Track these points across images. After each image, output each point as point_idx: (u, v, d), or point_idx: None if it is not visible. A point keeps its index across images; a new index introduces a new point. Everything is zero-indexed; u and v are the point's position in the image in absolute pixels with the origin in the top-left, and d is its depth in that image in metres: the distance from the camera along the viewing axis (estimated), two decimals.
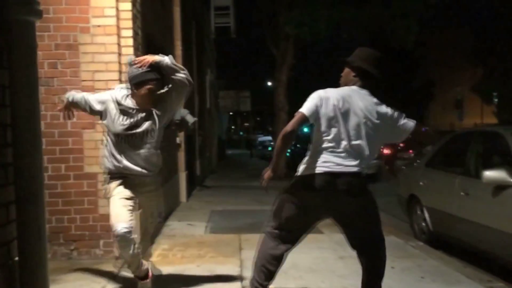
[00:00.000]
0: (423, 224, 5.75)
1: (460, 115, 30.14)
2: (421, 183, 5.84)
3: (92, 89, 4.53)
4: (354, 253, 3.26)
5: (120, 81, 4.60)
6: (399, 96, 34.40)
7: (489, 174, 4.04)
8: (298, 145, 19.32)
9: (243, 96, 24.92)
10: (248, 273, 4.10)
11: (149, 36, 6.14)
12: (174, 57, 8.78)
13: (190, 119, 9.13)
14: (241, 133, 68.78)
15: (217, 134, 25.31)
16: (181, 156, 8.86)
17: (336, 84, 3.22)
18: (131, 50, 4.66)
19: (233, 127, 71.32)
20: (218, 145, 25.63)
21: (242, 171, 18.41)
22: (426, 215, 5.65)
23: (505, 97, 26.87)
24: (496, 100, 29.90)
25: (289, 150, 20.25)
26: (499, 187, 4.10)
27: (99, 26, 4.50)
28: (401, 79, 33.70)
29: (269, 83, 31.30)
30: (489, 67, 25.84)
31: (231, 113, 46.94)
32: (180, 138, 8.75)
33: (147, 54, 5.70)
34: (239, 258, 4.66)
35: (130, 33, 4.67)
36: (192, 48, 11.62)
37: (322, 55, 25.80)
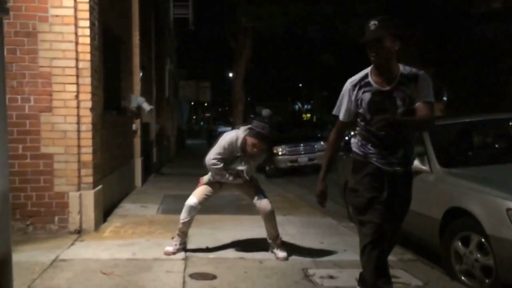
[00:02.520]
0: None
1: None
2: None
3: (49, 75, 4.85)
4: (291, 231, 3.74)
5: (77, 68, 4.92)
6: None
7: None
8: None
9: (203, 87, 25.20)
10: (192, 246, 4.58)
11: (107, 26, 6.44)
12: (132, 46, 9.09)
13: (147, 107, 9.54)
14: (201, 123, 68.81)
15: (176, 123, 25.48)
16: (137, 142, 9.17)
17: (293, 82, 3.67)
18: (87, 40, 4.98)
19: (194, 117, 71.13)
20: (178, 134, 25.81)
21: (200, 161, 18.73)
22: None
23: (453, 95, 28.33)
24: (445, 98, 31.44)
25: None
26: (414, 173, 4.71)
27: (57, 16, 4.80)
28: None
29: (230, 74, 31.68)
30: (438, 66, 27.14)
31: (192, 103, 46.87)
32: (136, 125, 9.06)
33: (104, 43, 6.05)
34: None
35: (87, 23, 4.99)
36: (151, 38, 11.86)
37: (281, 50, 26.34)
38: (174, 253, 4.28)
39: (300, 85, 49.76)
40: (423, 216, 4.45)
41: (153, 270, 3.83)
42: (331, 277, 3.83)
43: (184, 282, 3.57)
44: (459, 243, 3.89)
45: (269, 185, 10.92)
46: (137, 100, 8.70)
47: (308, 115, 52.00)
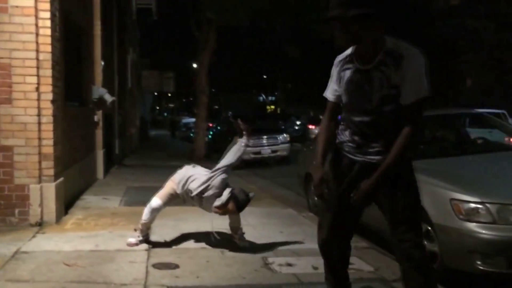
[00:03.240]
0: (315, 198, 6.60)
1: None
2: (314, 162, 6.67)
3: (9, 67, 4.79)
4: (252, 222, 3.89)
5: (37, 60, 4.88)
6: (320, 86, 36.15)
7: None
8: (218, 127, 19.97)
9: (167, 77, 24.98)
10: (155, 237, 4.66)
11: (68, 17, 6.37)
12: (93, 37, 8.97)
13: (108, 98, 9.47)
14: (165, 114, 68.09)
15: (139, 114, 25.19)
16: (99, 134, 9.10)
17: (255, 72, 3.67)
18: (48, 31, 4.94)
19: (157, 107, 70.27)
20: (141, 125, 25.53)
21: (163, 152, 18.70)
22: None
23: None
24: None
25: (210, 132, 20.86)
26: None
27: (17, 6, 4.74)
28: (323, 70, 35.38)
29: (195, 65, 31.46)
30: None
31: (155, 94, 46.34)
32: (98, 117, 8.98)
33: (65, 34, 5.99)
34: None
35: (47, 14, 4.94)
36: (113, 28, 11.70)
37: (246, 41, 26.43)
38: (136, 244, 4.36)
39: (265, 76, 50.01)
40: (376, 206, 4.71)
41: (116, 261, 3.91)
42: (289, 264, 4.02)
43: (147, 272, 3.66)
44: None
45: (232, 177, 11.02)
46: (99, 91, 8.62)
47: (272, 106, 52.40)
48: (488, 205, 3.55)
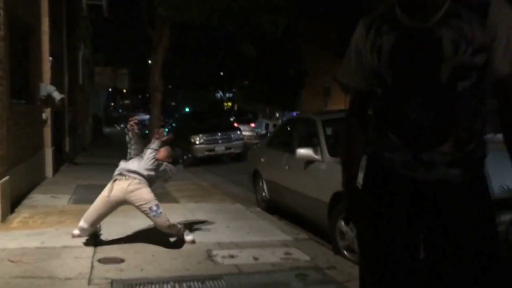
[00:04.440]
0: (263, 194, 6.87)
1: (326, 102, 33.24)
2: (262, 159, 6.95)
3: None
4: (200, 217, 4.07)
5: None
6: (276, 83, 36.69)
7: (301, 151, 5.19)
8: (174, 124, 19.95)
9: (121, 74, 24.64)
10: (103, 234, 4.73)
11: (15, 15, 6.30)
12: (41, 34, 8.84)
13: (57, 95, 9.38)
14: (120, 111, 66.74)
15: (92, 111, 24.68)
16: (47, 132, 8.98)
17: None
18: None
19: (112, 104, 68.77)
20: (94, 122, 25.01)
21: (116, 149, 18.46)
22: (265, 186, 6.78)
23: None
24: None
25: (166, 130, 20.71)
26: (308, 162, 5.28)
27: None
28: (279, 68, 35.95)
29: (150, 61, 31.11)
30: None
31: (110, 90, 45.42)
32: (46, 114, 8.86)
33: (11, 33, 5.92)
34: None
35: None
36: (62, 25, 11.51)
37: (200, 39, 26.43)
38: (80, 235, 4.40)
39: (222, 73, 50.09)
40: (315, 200, 5.03)
41: (62, 257, 4.00)
42: (231, 256, 4.24)
43: (92, 267, 3.78)
44: (342, 222, 4.48)
45: (186, 173, 11.19)
46: (47, 88, 8.52)
47: (229, 103, 52.56)
48: None
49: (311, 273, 3.81)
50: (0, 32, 5.11)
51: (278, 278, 3.68)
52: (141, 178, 4.36)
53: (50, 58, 9.09)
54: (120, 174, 4.39)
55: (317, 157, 5.09)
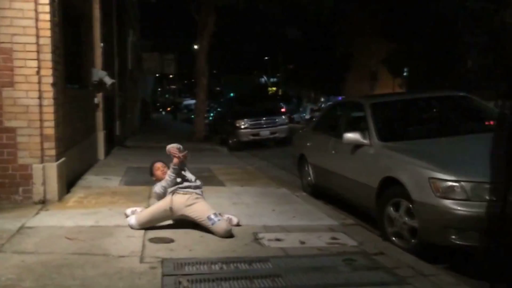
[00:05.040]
0: (309, 178, 6.84)
1: (372, 87, 32.51)
2: (308, 144, 6.90)
3: (10, 51, 4.97)
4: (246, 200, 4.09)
5: (38, 44, 5.06)
6: (321, 67, 36.17)
7: (348, 135, 5.11)
8: (219, 109, 20.15)
9: (168, 59, 25.04)
10: None
11: (67, 1, 6.50)
12: (91, 19, 9.08)
13: (108, 80, 9.66)
14: (167, 95, 68.13)
15: (140, 96, 25.34)
16: (100, 116, 9.31)
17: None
18: (47, 16, 5.10)
19: (159, 89, 70.27)
20: (142, 107, 25.70)
21: (164, 133, 18.92)
22: (311, 171, 6.73)
23: (412, 71, 29.27)
24: (405, 74, 32.41)
25: (211, 114, 21.05)
26: (356, 146, 5.19)
27: None
28: (324, 50, 35.38)
29: (196, 47, 31.43)
30: (399, 42, 27.86)
31: (157, 75, 46.40)
32: (98, 99, 9.18)
33: (64, 18, 6.14)
34: (147, 204, 5.41)
35: (47, 0, 5.09)
36: (112, 10, 11.79)
37: (245, 23, 26.36)
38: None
39: (266, 58, 49.91)
40: (363, 185, 4.95)
41: (115, 235, 4.16)
42: (278, 239, 4.26)
43: (143, 245, 3.91)
44: (391, 208, 4.39)
45: (231, 158, 11.32)
46: (98, 73, 8.80)
47: (274, 88, 52.40)
48: (463, 183, 3.77)
49: (358, 258, 3.76)
50: (54, 18, 5.30)
51: (325, 262, 3.66)
52: (198, 191, 4.45)
53: (102, 44, 9.36)
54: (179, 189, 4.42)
55: (365, 141, 5.00)
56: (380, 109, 5.44)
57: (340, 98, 27.26)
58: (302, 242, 4.19)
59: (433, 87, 21.06)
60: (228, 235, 4.25)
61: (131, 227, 4.37)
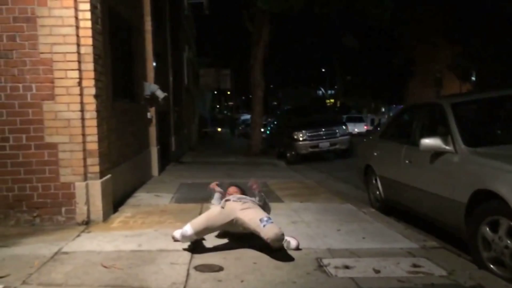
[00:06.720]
0: (377, 192, 6.05)
1: (438, 93, 30.65)
2: (375, 153, 6.12)
3: (50, 61, 4.68)
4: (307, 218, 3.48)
5: (79, 53, 4.74)
6: (380, 75, 34.81)
7: (426, 141, 4.31)
8: (275, 122, 19.61)
9: (223, 74, 24.96)
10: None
11: (113, 10, 6.25)
12: (143, 32, 8.88)
13: (160, 94, 9.36)
14: (225, 111, 68.76)
15: (198, 112, 25.39)
16: (153, 131, 9.02)
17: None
18: (89, 24, 4.78)
19: (217, 106, 71.22)
20: (200, 123, 25.72)
21: (221, 149, 18.65)
22: (379, 183, 5.94)
23: (482, 74, 27.35)
24: (473, 78, 30.41)
25: (268, 128, 20.58)
26: (435, 154, 4.38)
27: None
28: (383, 57, 34.05)
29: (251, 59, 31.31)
30: (466, 44, 26.17)
31: (215, 92, 46.93)
32: (151, 113, 8.91)
33: (110, 28, 5.86)
34: None
35: (87, 6, 4.78)
36: (165, 24, 11.65)
37: (301, 34, 25.83)
38: (179, 241, 4.04)
39: (323, 70, 49.08)
40: (447, 200, 4.13)
41: (157, 262, 3.64)
42: (346, 267, 3.56)
43: (188, 275, 3.36)
44: (487, 229, 3.55)
45: (289, 171, 10.67)
46: (150, 87, 8.53)
47: (332, 100, 51.24)
48: None
49: None
50: (96, 26, 4.98)
51: None
52: (253, 199, 4.20)
53: (154, 57, 9.12)
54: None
55: (448, 147, 4.18)
56: (463, 109, 4.61)
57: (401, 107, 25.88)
58: (377, 271, 3.46)
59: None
60: (279, 243, 3.74)
61: (183, 236, 3.97)
